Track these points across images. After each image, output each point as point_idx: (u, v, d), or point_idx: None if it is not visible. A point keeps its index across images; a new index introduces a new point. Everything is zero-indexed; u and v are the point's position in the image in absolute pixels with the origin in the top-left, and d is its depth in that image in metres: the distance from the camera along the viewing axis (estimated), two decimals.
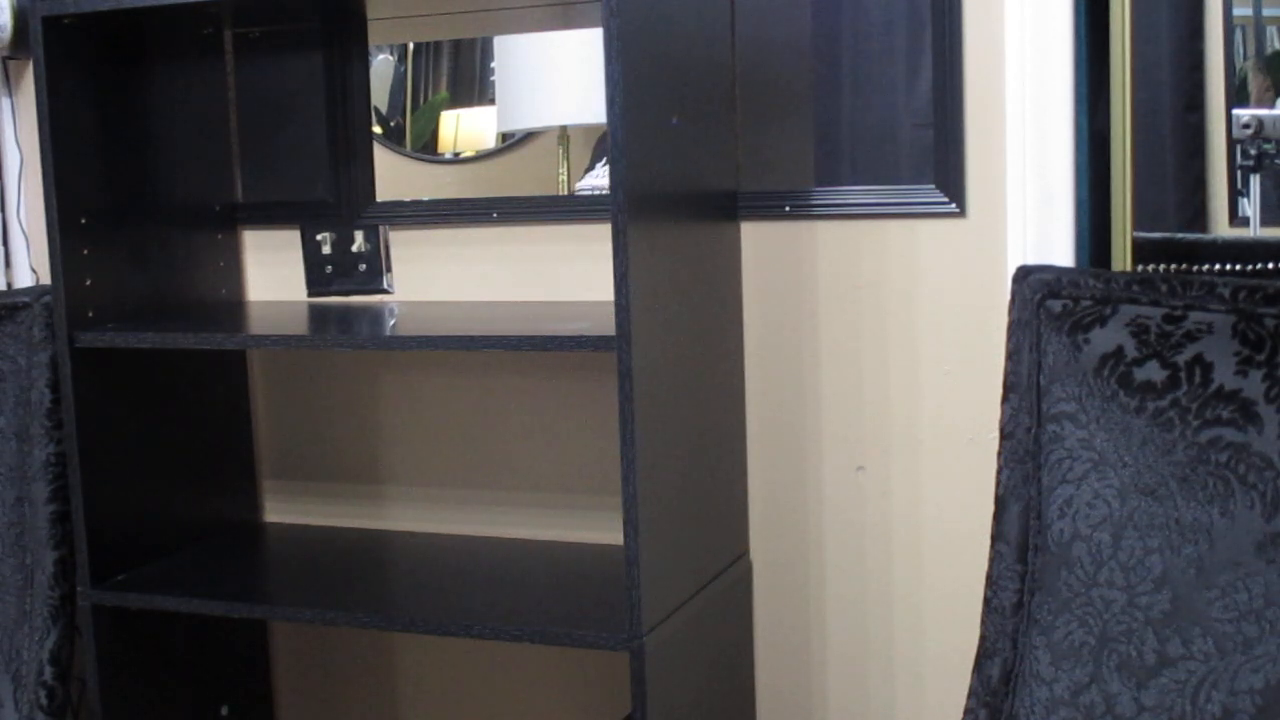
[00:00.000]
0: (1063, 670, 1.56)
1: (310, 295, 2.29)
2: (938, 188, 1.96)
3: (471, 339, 1.82)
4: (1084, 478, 1.57)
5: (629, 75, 1.67)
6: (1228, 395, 1.50)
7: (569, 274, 2.15)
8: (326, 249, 2.27)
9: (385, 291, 2.25)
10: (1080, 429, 1.58)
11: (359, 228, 2.26)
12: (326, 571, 2.15)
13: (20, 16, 2.28)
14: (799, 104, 2.03)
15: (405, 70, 2.26)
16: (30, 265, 2.48)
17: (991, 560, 1.65)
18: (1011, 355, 1.65)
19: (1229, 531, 1.48)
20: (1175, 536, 1.51)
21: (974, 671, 1.66)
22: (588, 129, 2.16)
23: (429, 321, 2.06)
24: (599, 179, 2.12)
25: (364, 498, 2.34)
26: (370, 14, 2.22)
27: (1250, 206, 1.90)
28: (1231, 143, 1.88)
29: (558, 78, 2.17)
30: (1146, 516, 1.53)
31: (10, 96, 2.46)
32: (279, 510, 2.40)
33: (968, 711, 1.66)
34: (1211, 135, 1.91)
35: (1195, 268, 1.89)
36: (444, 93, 2.26)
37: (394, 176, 2.28)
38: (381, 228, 2.25)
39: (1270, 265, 1.87)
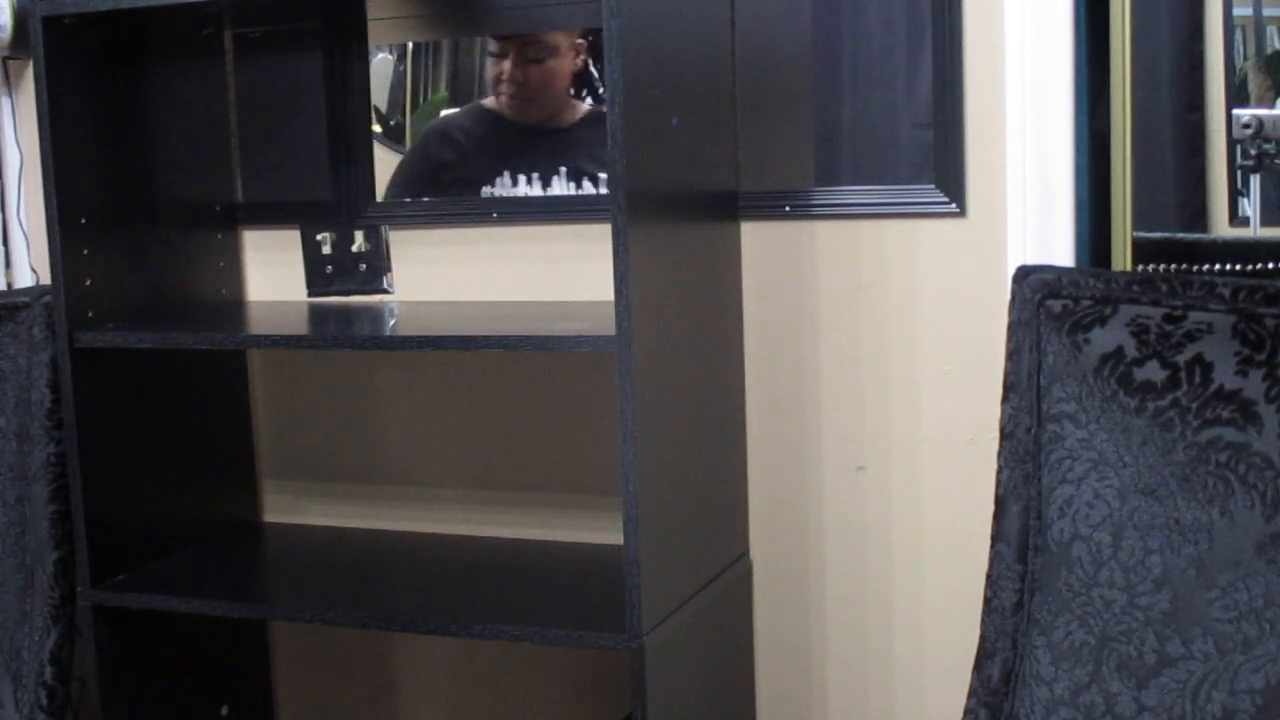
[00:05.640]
0: (1063, 670, 1.56)
1: (310, 295, 2.29)
2: (938, 188, 1.96)
3: (471, 339, 1.82)
4: (1084, 478, 1.57)
5: (629, 75, 1.67)
6: (1228, 395, 1.50)
7: (569, 274, 2.15)
8: (326, 249, 2.27)
9: (385, 291, 2.25)
10: (1080, 429, 1.58)
11: (359, 228, 2.26)
12: (326, 571, 2.15)
13: (20, 16, 2.28)
14: (799, 104, 2.03)
15: (405, 70, 2.26)
16: (30, 265, 2.48)
17: (991, 560, 1.65)
18: (1011, 355, 1.65)
19: (1229, 531, 1.48)
20: (1175, 536, 1.51)
21: (974, 671, 1.66)
22: None
23: (429, 321, 2.06)
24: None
25: (364, 498, 2.34)
26: (370, 14, 2.22)
27: (1250, 206, 1.90)
28: (1231, 143, 1.88)
29: None
30: (1146, 516, 1.53)
31: (10, 96, 2.46)
32: (279, 510, 2.40)
33: (968, 711, 1.66)
34: (1211, 135, 1.90)
35: (1195, 268, 1.88)
36: (443, 92, 2.26)
37: None
38: (382, 228, 2.25)
39: (1270, 265, 1.87)
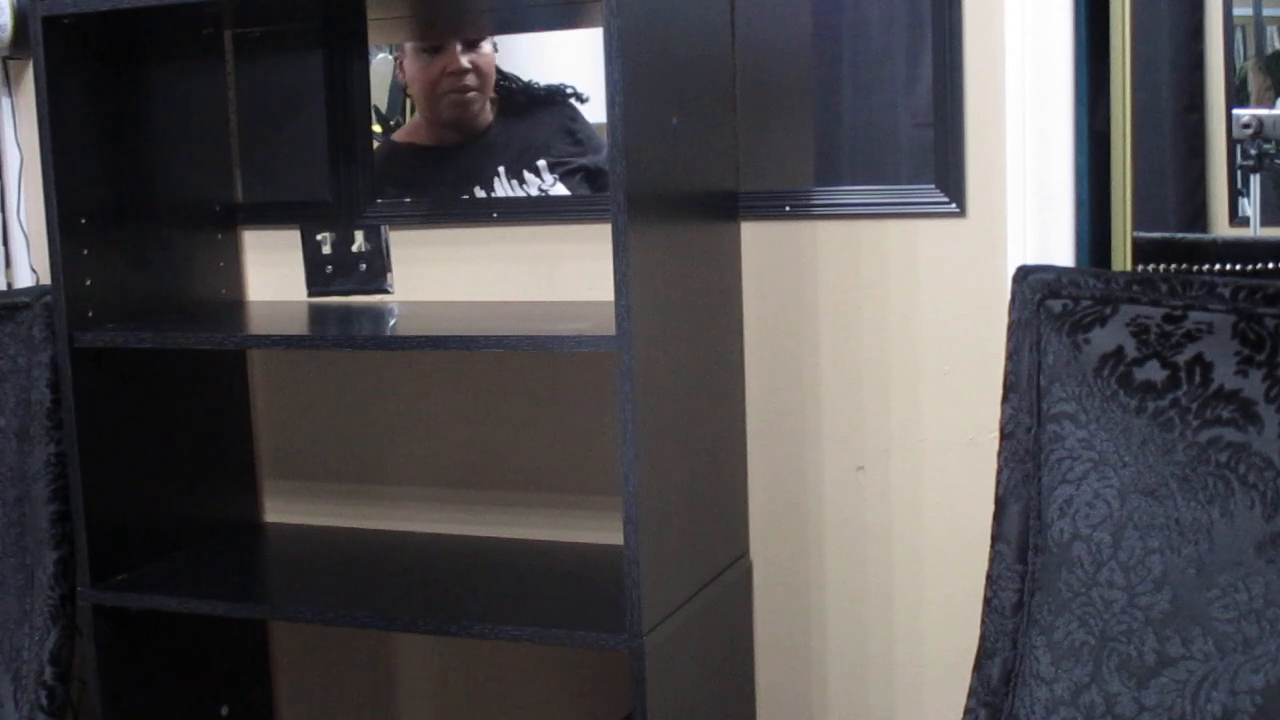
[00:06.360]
0: (1063, 670, 1.56)
1: (310, 295, 2.29)
2: (938, 188, 1.96)
3: (471, 339, 1.82)
4: (1084, 478, 1.57)
5: (629, 75, 1.67)
6: (1228, 395, 1.50)
7: (569, 274, 2.15)
8: (326, 249, 2.27)
9: (385, 291, 2.25)
10: (1080, 429, 1.58)
11: (359, 228, 2.26)
12: (326, 571, 2.15)
13: (20, 16, 2.28)
14: (799, 104, 2.03)
15: None
16: (30, 265, 2.48)
17: (991, 560, 1.65)
18: (1011, 355, 1.65)
19: (1229, 531, 1.48)
20: (1175, 536, 1.51)
21: (974, 671, 1.66)
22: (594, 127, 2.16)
23: (429, 321, 2.06)
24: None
25: (364, 498, 2.34)
26: (370, 14, 2.22)
27: (1250, 206, 1.90)
28: (1231, 143, 1.89)
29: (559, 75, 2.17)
30: (1146, 516, 1.53)
31: (10, 96, 2.46)
32: (279, 510, 2.40)
33: (968, 711, 1.66)
34: (1211, 135, 1.91)
35: (1195, 268, 1.89)
36: None
37: None
38: (382, 228, 2.25)
39: (1270, 265, 1.87)
